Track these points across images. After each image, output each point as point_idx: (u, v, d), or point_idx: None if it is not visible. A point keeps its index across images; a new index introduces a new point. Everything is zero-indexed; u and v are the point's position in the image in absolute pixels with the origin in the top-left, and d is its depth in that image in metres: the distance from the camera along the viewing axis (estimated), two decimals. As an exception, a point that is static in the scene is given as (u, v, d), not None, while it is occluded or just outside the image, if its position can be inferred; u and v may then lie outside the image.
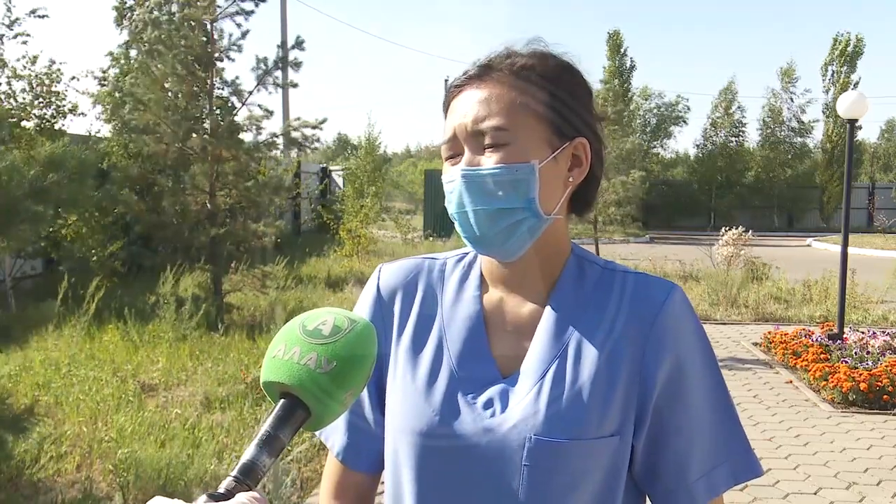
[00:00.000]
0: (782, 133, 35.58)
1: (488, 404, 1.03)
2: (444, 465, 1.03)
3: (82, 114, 12.28)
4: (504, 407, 1.02)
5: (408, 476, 1.06)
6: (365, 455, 1.16)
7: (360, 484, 1.18)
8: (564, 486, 0.99)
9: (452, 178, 1.04)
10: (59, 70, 11.48)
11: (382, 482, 1.14)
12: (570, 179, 1.06)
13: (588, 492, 1.00)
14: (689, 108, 38.57)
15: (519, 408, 1.01)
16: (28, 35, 11.22)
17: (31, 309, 3.89)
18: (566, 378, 1.01)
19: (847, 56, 33.64)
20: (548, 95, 1.04)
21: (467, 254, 1.16)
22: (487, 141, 1.02)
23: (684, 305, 1.06)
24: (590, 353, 1.03)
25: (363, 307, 1.16)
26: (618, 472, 1.02)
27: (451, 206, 1.05)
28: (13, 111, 10.19)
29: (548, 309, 1.07)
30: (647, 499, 1.09)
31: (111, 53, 14.39)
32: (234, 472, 0.74)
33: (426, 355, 1.09)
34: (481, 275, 1.13)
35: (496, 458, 1.00)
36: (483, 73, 1.05)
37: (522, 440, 0.99)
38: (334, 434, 1.17)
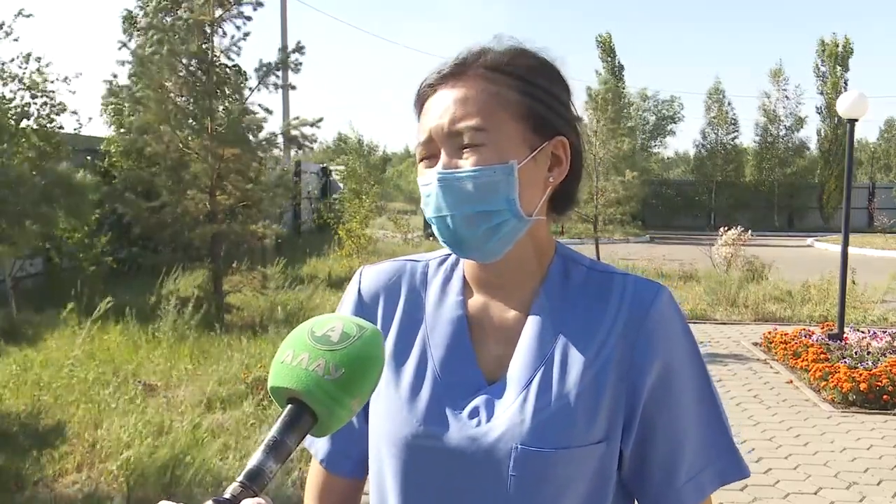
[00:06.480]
0: (778, 131, 35.56)
1: (474, 413, 1.00)
2: (430, 475, 1.01)
3: (74, 112, 12.14)
4: (490, 415, 1.00)
5: (393, 485, 1.04)
6: (349, 461, 1.14)
7: (344, 489, 1.16)
8: (552, 495, 0.97)
9: (429, 182, 1.00)
10: (44, 71, 11.36)
11: (366, 493, 1.12)
12: (551, 179, 1.03)
13: (576, 498, 0.98)
14: (682, 106, 38.83)
15: (505, 416, 0.99)
16: (12, 33, 11.12)
17: (37, 316, 3.94)
18: (552, 385, 0.99)
19: (837, 58, 33.66)
20: (525, 93, 1.00)
21: (450, 255, 1.13)
22: (465, 142, 0.98)
23: (672, 307, 1.03)
24: (576, 359, 1.00)
25: (345, 311, 1.13)
26: (606, 477, 1.00)
27: (428, 210, 1.01)
28: (12, 113, 10.14)
29: (532, 312, 1.04)
30: (636, 501, 1.08)
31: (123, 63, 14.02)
32: (241, 478, 0.74)
33: (410, 361, 1.06)
34: (464, 277, 1.10)
35: (482, 468, 0.98)
36: (457, 71, 1.02)
37: (509, 450, 0.97)
38: (318, 440, 1.14)
